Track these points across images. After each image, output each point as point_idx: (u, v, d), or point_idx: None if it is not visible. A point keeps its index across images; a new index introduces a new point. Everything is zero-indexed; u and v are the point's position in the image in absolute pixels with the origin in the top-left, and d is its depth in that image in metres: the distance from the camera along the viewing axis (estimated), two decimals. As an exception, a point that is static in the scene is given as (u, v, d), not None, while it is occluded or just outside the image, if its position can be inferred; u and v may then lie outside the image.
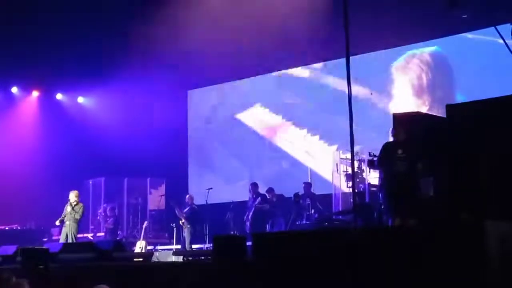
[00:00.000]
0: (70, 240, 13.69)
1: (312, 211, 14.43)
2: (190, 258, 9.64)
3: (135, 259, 10.32)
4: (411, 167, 7.85)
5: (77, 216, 14.11)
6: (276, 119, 17.81)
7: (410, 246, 5.11)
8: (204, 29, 15.11)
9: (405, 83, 16.09)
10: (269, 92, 18.03)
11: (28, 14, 14.99)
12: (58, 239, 15.00)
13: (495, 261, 4.46)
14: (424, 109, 15.06)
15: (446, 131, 5.86)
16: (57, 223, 14.27)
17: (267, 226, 14.66)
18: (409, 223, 7.76)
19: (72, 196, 14.23)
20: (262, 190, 15.34)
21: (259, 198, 14.97)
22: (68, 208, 14.12)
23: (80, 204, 14.31)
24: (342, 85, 15.68)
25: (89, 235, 17.72)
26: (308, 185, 15.01)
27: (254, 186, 15.23)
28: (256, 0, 14.92)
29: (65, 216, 14.15)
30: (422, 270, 4.90)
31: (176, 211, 15.75)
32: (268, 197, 15.19)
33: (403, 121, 7.82)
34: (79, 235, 16.47)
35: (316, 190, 15.17)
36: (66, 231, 14.08)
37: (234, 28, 15.04)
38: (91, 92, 19.63)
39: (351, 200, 12.58)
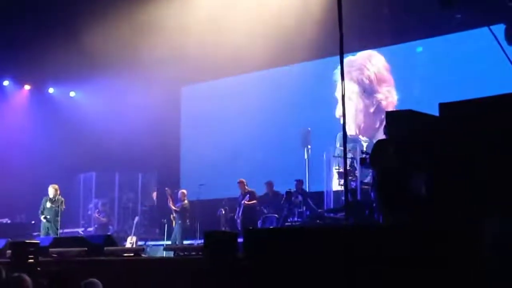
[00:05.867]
0: (52, 235, 13.56)
1: (304, 208, 14.44)
2: (181, 254, 9.60)
3: (125, 254, 10.26)
4: (403, 165, 7.85)
5: (58, 210, 14.00)
6: (269, 115, 17.78)
7: (401, 244, 5.12)
8: (198, 26, 15.13)
9: (348, 85, 16.57)
10: (261, 88, 18.00)
11: (20, 9, 14.95)
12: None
13: (489, 258, 4.48)
14: (372, 109, 16.17)
15: (439, 130, 5.86)
16: (43, 218, 14.16)
17: (259, 223, 14.68)
18: (400, 221, 7.76)
19: (52, 190, 14.11)
20: (254, 186, 15.35)
21: (247, 196, 14.98)
22: (47, 204, 13.99)
23: (61, 198, 14.19)
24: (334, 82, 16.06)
25: (80, 230, 17.66)
26: (299, 182, 15.01)
27: (241, 184, 15.23)
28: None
29: (43, 210, 14.03)
30: (414, 267, 4.91)
31: (168, 201, 15.71)
32: (265, 192, 15.27)
33: (395, 119, 7.82)
34: (69, 230, 16.46)
35: (308, 187, 15.20)
36: (47, 226, 13.98)
37: (229, 26, 15.07)
38: (83, 87, 19.56)
39: (343, 198, 12.60)
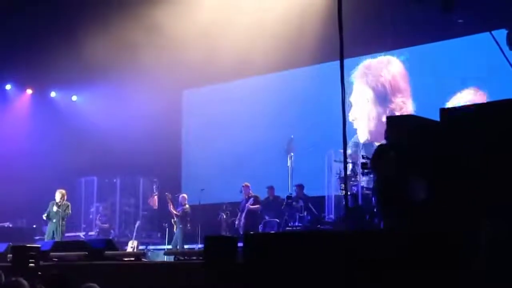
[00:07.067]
0: (57, 239, 13.60)
1: (305, 213, 14.43)
2: (182, 258, 9.60)
3: (126, 258, 10.26)
4: (403, 170, 7.84)
5: (64, 215, 14.04)
6: (270, 120, 17.79)
7: (401, 248, 5.12)
8: (200, 30, 15.14)
9: (363, 90, 16.49)
10: (262, 93, 18.01)
11: (23, 13, 14.98)
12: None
13: (488, 261, 4.49)
14: (383, 117, 15.95)
15: (439, 135, 5.86)
16: (44, 217, 14.20)
17: (260, 227, 14.67)
18: (400, 225, 7.75)
19: (58, 195, 14.16)
20: (256, 191, 15.35)
21: (251, 199, 14.97)
22: (54, 208, 14.04)
23: (67, 203, 14.22)
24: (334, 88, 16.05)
25: (81, 234, 17.67)
26: (300, 187, 15.00)
27: (246, 187, 15.23)
28: (252, 2, 14.99)
29: (49, 214, 14.07)
30: (414, 272, 4.91)
31: (169, 206, 15.73)
32: (266, 196, 15.26)
33: (396, 124, 7.82)
34: (70, 234, 16.45)
35: (309, 192, 15.19)
36: (52, 229, 14.02)
37: (231, 30, 15.07)
38: (85, 91, 19.57)
39: (344, 203, 12.58)
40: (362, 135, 16.59)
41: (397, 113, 16.14)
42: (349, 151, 14.93)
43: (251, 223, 14.74)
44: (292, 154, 16.60)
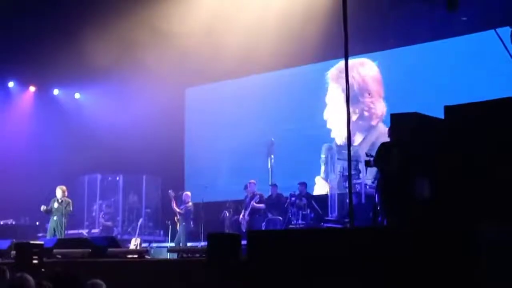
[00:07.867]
0: (58, 236, 13.61)
1: (308, 210, 14.43)
2: (185, 256, 9.61)
3: (129, 256, 10.28)
4: (407, 167, 7.84)
5: (65, 212, 14.04)
6: (273, 117, 17.78)
7: (405, 246, 5.12)
8: (202, 27, 15.14)
9: (338, 91, 16.53)
10: (266, 91, 18.00)
11: (26, 10, 14.99)
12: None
13: (484, 263, 4.48)
14: (354, 117, 16.07)
15: (444, 132, 5.85)
16: (42, 208, 14.19)
17: (263, 225, 14.66)
18: (403, 223, 7.75)
19: (59, 191, 14.16)
20: (259, 188, 15.35)
21: (257, 197, 14.94)
22: (55, 204, 14.06)
23: (68, 200, 14.22)
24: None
25: (84, 231, 17.69)
26: (303, 185, 14.99)
27: (253, 184, 15.22)
28: (254, 0, 15.01)
29: (50, 210, 14.08)
30: (413, 271, 4.91)
31: (172, 204, 15.74)
32: (269, 194, 15.26)
33: (400, 121, 7.80)
34: (73, 231, 16.48)
35: (312, 190, 15.20)
36: (54, 226, 14.04)
37: (233, 28, 15.07)
38: (88, 89, 19.58)
39: (347, 201, 12.59)
40: (337, 135, 16.63)
41: (366, 114, 16.22)
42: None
43: (255, 220, 14.73)
44: (272, 156, 16.74)
